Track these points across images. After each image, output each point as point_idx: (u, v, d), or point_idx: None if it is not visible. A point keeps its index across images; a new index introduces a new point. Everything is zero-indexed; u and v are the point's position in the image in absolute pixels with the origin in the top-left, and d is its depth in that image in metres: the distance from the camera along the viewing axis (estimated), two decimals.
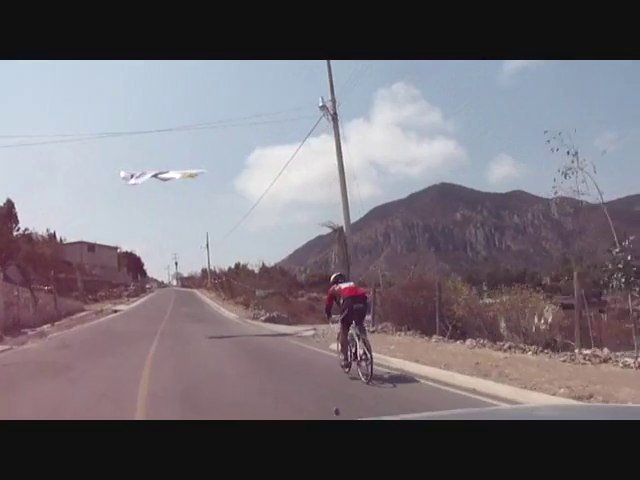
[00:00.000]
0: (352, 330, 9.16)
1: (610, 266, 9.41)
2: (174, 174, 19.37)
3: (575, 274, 10.75)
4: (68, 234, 57.66)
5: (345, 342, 9.33)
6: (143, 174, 19.15)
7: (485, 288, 27.75)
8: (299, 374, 9.85)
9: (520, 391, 6.82)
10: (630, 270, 9.13)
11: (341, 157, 20.22)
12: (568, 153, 10.06)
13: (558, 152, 10.30)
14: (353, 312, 9.19)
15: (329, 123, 20.45)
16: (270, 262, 53.41)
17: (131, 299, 45.87)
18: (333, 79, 20.50)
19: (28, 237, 42.21)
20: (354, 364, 8.99)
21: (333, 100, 20.35)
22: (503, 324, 12.64)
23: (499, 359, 9.12)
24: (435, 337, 12.95)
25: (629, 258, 9.20)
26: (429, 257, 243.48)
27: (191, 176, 19.49)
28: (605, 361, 8.52)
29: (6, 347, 14.33)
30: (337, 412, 2.66)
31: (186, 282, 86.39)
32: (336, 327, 10.29)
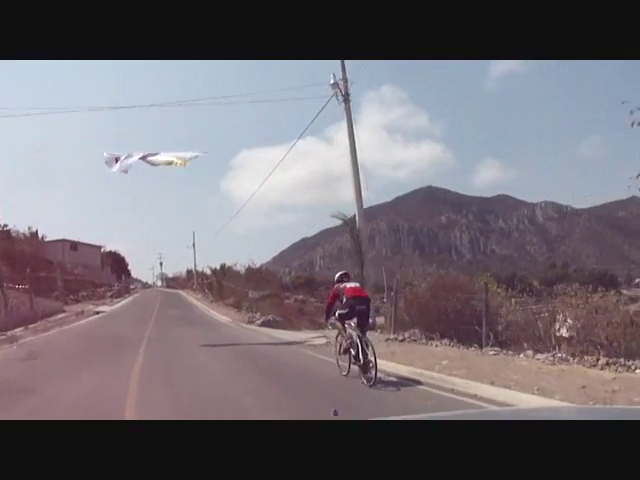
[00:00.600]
0: (353, 332, 9.00)
1: None
2: (166, 157, 16.82)
3: None
4: (51, 233, 55.05)
5: (344, 335, 9.21)
6: (129, 156, 16.55)
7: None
8: (346, 406, 6.93)
9: None
10: None
11: (353, 141, 18.11)
12: None
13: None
14: (355, 313, 9.13)
15: (339, 105, 18.36)
16: (256, 264, 51.27)
17: (115, 300, 43.56)
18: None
19: (7, 234, 39.96)
20: (353, 367, 8.84)
21: (345, 79, 18.18)
22: (564, 331, 10.62)
23: (606, 380, 7.03)
24: (486, 348, 10.87)
25: None
26: (414, 260, 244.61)
27: (183, 162, 16.63)
28: None
29: None
30: (335, 413, 2.55)
31: (171, 283, 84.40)
32: (336, 327, 9.96)
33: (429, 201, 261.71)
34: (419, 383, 8.27)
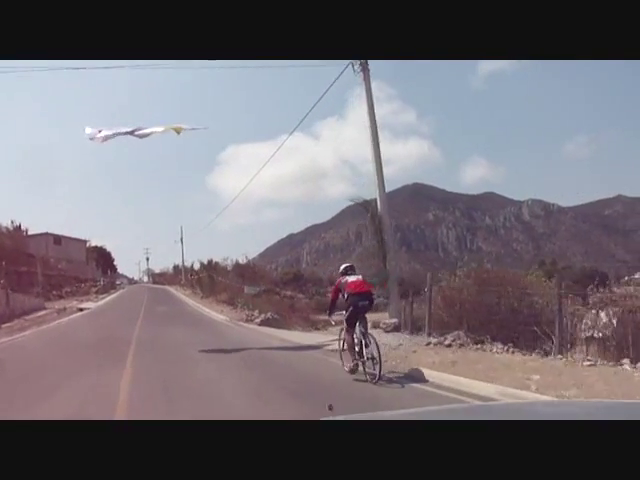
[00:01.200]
0: (356, 330, 8.77)
1: None
2: (156, 129, 14.77)
3: None
4: (36, 228, 52.25)
5: (352, 344, 8.77)
6: (114, 128, 14.77)
7: None
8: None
9: None
10: None
11: (373, 113, 16.11)
12: None
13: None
14: (358, 310, 8.79)
15: (355, 75, 16.36)
16: (248, 259, 49.39)
17: (100, 296, 41.62)
18: None
19: None
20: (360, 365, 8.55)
21: None
22: None
23: None
24: (577, 356, 8.87)
25: None
26: (401, 257, 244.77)
27: (177, 130, 14.64)
28: None
29: None
30: (330, 408, 2.49)
31: (158, 278, 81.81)
32: (337, 326, 9.66)
33: (416, 198, 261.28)
34: None
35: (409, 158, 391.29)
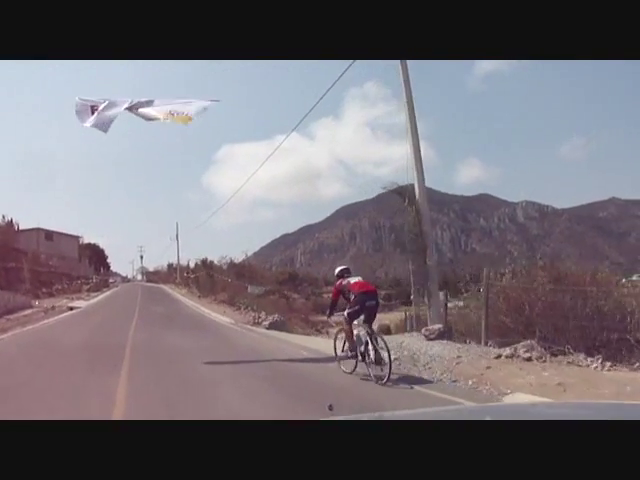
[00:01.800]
0: (361, 330, 8.69)
1: None
2: (163, 109, 11.67)
3: None
4: (29, 224, 50.43)
5: (352, 336, 8.70)
6: (112, 105, 11.59)
7: None
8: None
9: None
10: None
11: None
12: None
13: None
14: (364, 309, 8.68)
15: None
16: (242, 257, 47.69)
17: (92, 294, 39.69)
18: None
19: None
20: (360, 365, 8.48)
21: None
22: None
23: None
24: None
25: None
26: (395, 258, 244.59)
27: (186, 119, 11.50)
28: None
29: None
30: (330, 408, 2.40)
31: (152, 277, 79.82)
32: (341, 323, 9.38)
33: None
34: None
35: (404, 159, 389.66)
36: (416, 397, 7.21)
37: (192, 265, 57.39)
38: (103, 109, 11.57)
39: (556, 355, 9.19)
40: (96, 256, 68.59)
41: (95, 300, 34.75)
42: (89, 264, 61.69)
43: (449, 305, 14.55)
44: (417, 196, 13.87)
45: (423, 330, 12.07)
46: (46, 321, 20.06)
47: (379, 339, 8.41)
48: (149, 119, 11.90)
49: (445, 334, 11.88)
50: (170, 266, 74.38)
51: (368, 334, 8.43)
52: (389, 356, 8.02)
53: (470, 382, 7.87)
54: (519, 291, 10.55)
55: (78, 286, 42.63)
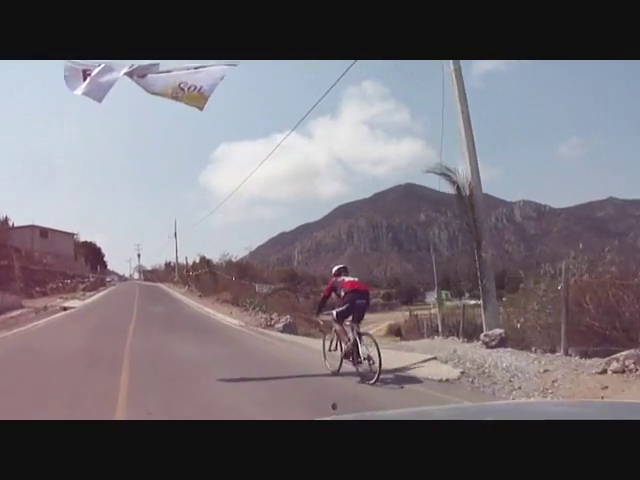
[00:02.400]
0: (349, 328, 8.68)
1: None
2: (170, 80, 9.40)
3: None
4: (24, 221, 49.35)
5: (345, 336, 8.58)
6: (107, 71, 9.30)
7: None
8: None
9: None
10: None
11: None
12: None
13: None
14: (354, 307, 8.62)
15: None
16: (234, 257, 45.95)
17: (88, 293, 38.33)
18: None
19: None
20: (345, 363, 8.51)
21: None
22: None
23: None
24: None
25: None
26: (392, 257, 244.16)
27: (200, 102, 9.72)
28: None
29: None
30: (334, 407, 2.46)
31: (149, 276, 78.75)
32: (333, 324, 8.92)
33: (408, 198, 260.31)
34: None
35: (402, 158, 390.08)
36: None
37: (190, 263, 56.31)
38: (97, 74, 9.63)
39: None
40: (92, 254, 67.54)
41: (91, 300, 33.44)
42: (85, 262, 60.58)
43: (451, 305, 13.06)
44: (470, 181, 12.32)
45: (482, 336, 10.43)
46: (35, 323, 18.29)
47: (369, 339, 8.53)
48: (154, 93, 9.93)
49: (506, 341, 10.30)
50: (168, 264, 73.15)
51: (359, 335, 8.44)
52: (379, 354, 7.90)
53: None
54: (614, 289, 8.87)
55: (73, 285, 41.38)
